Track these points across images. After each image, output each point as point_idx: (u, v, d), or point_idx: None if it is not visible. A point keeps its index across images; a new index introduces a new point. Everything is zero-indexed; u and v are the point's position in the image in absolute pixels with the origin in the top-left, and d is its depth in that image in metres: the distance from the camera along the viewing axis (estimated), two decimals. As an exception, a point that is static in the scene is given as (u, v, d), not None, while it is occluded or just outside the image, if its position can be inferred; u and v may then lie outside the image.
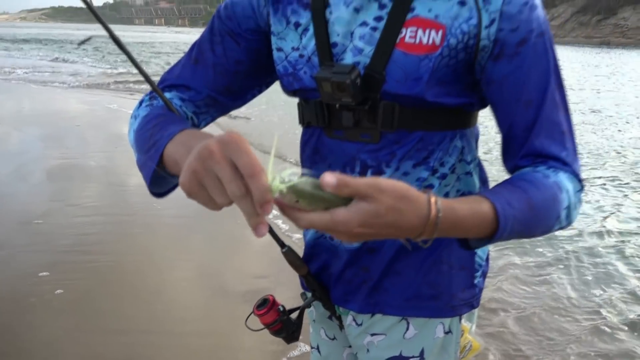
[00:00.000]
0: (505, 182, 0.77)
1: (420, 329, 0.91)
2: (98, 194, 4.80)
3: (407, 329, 0.91)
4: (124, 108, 9.06)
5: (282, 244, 0.91)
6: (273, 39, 0.88)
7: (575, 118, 10.05)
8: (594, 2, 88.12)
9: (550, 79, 0.77)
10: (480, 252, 0.94)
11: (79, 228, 3.94)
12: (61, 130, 7.39)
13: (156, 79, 0.89)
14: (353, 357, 1.07)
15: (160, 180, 0.75)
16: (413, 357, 0.91)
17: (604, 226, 4.46)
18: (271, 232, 0.83)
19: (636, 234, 4.34)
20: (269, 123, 8.27)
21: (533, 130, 0.78)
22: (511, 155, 0.82)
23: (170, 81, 0.92)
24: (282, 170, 0.55)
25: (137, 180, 5.02)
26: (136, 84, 12.56)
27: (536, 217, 0.73)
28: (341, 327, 1.01)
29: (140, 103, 0.90)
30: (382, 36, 0.77)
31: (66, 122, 8.06)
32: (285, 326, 0.97)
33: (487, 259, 0.98)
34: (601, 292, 3.33)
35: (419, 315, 0.91)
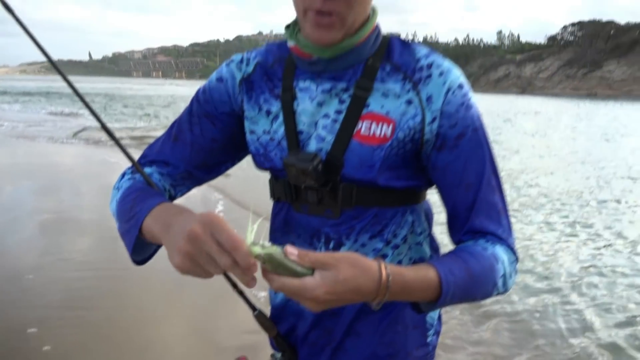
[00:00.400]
0: (450, 252, 0.88)
1: None
2: (89, 248, 4.77)
3: None
4: (115, 161, 9.11)
5: (253, 308, 0.95)
6: (246, 122, 1.00)
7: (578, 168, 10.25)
8: (580, 55, 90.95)
9: (485, 166, 0.90)
10: (431, 312, 1.00)
11: (69, 283, 3.89)
12: (54, 183, 7.43)
13: (155, 134, 0.95)
14: None
15: (140, 248, 0.87)
16: None
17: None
18: (243, 297, 0.91)
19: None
20: (247, 179, 8.36)
21: (473, 210, 0.90)
22: (455, 231, 0.93)
23: (151, 157, 1.02)
24: (260, 237, 0.68)
25: None
26: (134, 140, 12.60)
27: (475, 284, 0.83)
28: None
29: (123, 175, 0.99)
30: (341, 127, 0.89)
31: (60, 174, 8.11)
32: None
33: (439, 318, 1.06)
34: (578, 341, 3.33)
35: None
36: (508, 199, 0.95)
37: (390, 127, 0.88)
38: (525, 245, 5.36)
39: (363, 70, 0.91)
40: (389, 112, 0.88)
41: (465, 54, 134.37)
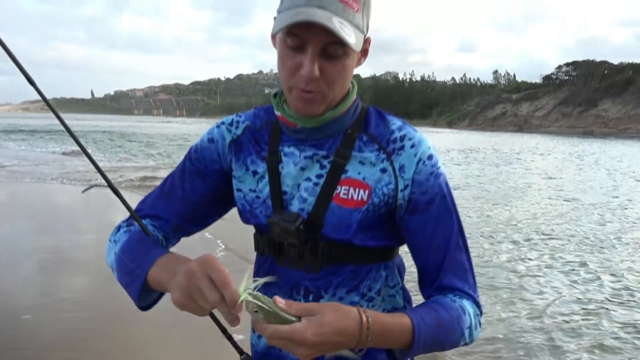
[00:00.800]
0: (422, 304, 0.97)
1: None
2: (85, 289, 4.79)
3: None
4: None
5: (241, 352, 1.01)
6: (234, 181, 1.07)
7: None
8: (575, 94, 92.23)
9: (453, 228, 0.99)
10: None
11: (65, 323, 3.90)
12: (52, 223, 7.48)
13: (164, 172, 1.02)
14: None
15: (145, 296, 0.95)
16: None
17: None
18: (232, 341, 1.00)
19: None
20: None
21: (442, 269, 0.99)
22: (426, 287, 1.03)
23: (145, 211, 1.09)
24: (252, 285, 0.77)
25: None
26: (140, 181, 12.35)
27: (445, 332, 0.91)
28: None
29: (118, 229, 1.06)
30: (322, 191, 0.98)
31: (57, 214, 8.17)
32: None
33: None
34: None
35: None
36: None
37: (367, 192, 0.97)
38: None
39: (342, 140, 1.00)
40: (365, 178, 0.97)
41: (462, 92, 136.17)
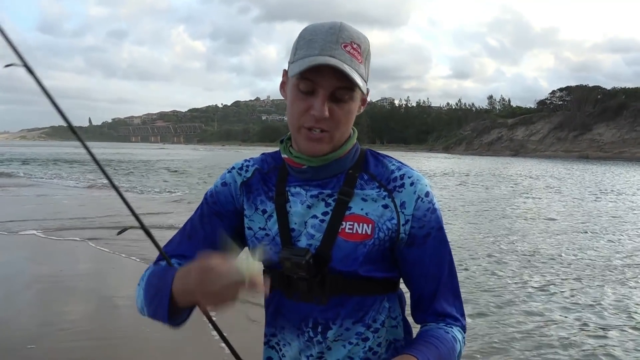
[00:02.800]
0: (421, 338, 1.03)
1: None
2: (87, 317, 4.74)
3: None
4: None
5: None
6: (245, 220, 1.15)
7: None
8: (569, 119, 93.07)
9: (447, 258, 1.09)
10: None
11: (68, 353, 3.86)
12: (53, 251, 7.43)
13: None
14: None
15: (176, 313, 0.98)
16: None
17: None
18: (233, 352, 1.07)
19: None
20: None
21: (436, 296, 1.08)
22: (420, 312, 1.11)
23: (170, 253, 1.15)
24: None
25: (126, 302, 5.03)
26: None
27: None
28: None
29: (146, 272, 1.12)
30: (328, 227, 1.04)
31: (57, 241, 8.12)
32: None
33: None
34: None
35: None
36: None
37: (370, 226, 1.04)
38: None
39: (345, 179, 1.08)
40: (368, 214, 1.05)
41: (458, 117, 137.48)
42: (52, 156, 46.37)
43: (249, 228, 1.13)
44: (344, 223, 1.04)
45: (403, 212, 1.04)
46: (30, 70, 0.98)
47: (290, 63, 1.03)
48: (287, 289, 1.08)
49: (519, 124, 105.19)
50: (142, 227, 1.03)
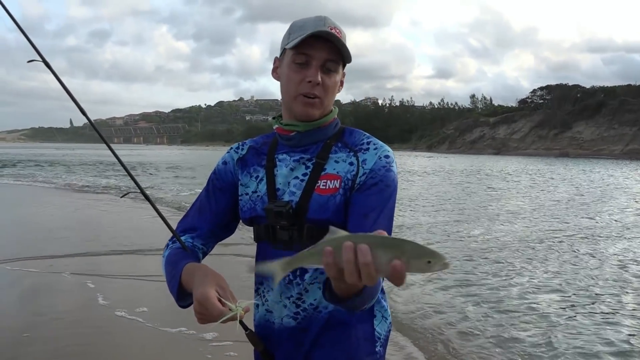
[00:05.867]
0: None
1: None
2: (76, 308, 4.77)
3: None
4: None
5: (246, 328, 1.26)
6: (240, 188, 1.37)
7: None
8: (550, 117, 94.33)
9: (385, 207, 1.22)
10: (378, 328, 1.32)
11: (59, 341, 3.89)
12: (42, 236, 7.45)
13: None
14: None
15: (183, 297, 1.20)
16: None
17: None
18: (241, 323, 1.18)
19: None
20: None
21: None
22: None
23: (183, 227, 1.40)
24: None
25: (116, 294, 5.13)
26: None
27: (371, 294, 1.11)
28: None
29: (166, 246, 1.36)
30: (306, 185, 1.26)
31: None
32: None
33: (388, 332, 1.36)
34: None
35: None
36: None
37: (338, 181, 1.25)
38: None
39: (322, 147, 1.30)
40: (338, 172, 1.26)
41: (441, 116, 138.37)
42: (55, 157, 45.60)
43: (245, 194, 1.34)
44: (319, 181, 1.25)
45: (363, 167, 1.25)
46: (48, 66, 1.14)
47: (285, 47, 1.26)
48: (273, 239, 1.28)
49: (500, 122, 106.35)
50: (142, 192, 1.38)
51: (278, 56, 1.32)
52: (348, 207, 1.24)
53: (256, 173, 1.35)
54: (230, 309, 1.05)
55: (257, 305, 1.34)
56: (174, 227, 1.39)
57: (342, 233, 0.92)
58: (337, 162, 1.27)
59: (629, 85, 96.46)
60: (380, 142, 1.31)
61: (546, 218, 12.07)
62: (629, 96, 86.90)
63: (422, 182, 22.36)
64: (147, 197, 1.41)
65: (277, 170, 1.31)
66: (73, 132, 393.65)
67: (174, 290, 1.21)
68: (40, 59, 1.29)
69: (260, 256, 1.34)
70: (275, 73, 1.33)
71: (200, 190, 1.45)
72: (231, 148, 1.45)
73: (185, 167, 29.11)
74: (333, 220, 1.18)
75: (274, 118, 1.39)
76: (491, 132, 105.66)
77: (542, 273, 6.84)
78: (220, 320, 1.04)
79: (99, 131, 1.44)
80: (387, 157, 1.27)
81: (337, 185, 1.24)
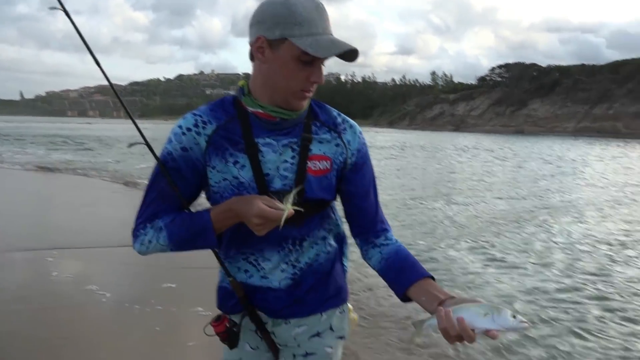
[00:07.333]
0: (409, 259, 1.36)
1: (328, 315, 1.46)
2: (25, 283, 4.54)
3: (322, 315, 1.44)
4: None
5: (229, 274, 1.38)
6: (214, 173, 1.31)
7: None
8: (507, 95, 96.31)
9: (374, 180, 1.45)
10: (344, 262, 1.51)
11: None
12: None
13: None
14: None
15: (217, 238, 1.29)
16: (325, 330, 1.45)
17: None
18: (222, 265, 1.37)
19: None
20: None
21: (377, 211, 1.43)
22: (365, 229, 1.43)
23: (146, 215, 1.32)
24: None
25: (70, 268, 4.99)
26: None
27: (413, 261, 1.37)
28: (263, 338, 1.44)
29: (136, 236, 1.32)
30: (299, 168, 1.31)
31: None
32: (229, 335, 1.39)
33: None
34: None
35: (330, 307, 1.45)
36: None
37: (329, 162, 1.34)
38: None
39: (304, 127, 1.33)
40: (325, 152, 1.34)
41: (402, 93, 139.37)
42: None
43: (224, 179, 1.30)
44: (309, 162, 1.31)
45: (350, 148, 1.37)
46: (67, 14, 1.27)
47: (289, 37, 1.19)
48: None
49: (460, 99, 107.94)
50: (146, 143, 1.39)
51: (266, 37, 1.21)
52: (342, 186, 1.39)
53: (234, 158, 1.29)
54: (283, 210, 1.17)
55: (249, 275, 1.39)
56: (144, 197, 1.34)
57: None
58: (321, 142, 1.34)
59: (582, 65, 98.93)
60: (348, 118, 1.41)
61: (505, 194, 12.46)
62: (582, 75, 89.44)
63: (381, 157, 22.64)
64: (150, 149, 1.37)
65: (262, 156, 1.29)
66: (24, 105, 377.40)
67: (209, 237, 1.26)
68: (61, 7, 1.37)
69: (256, 237, 1.28)
70: (262, 55, 1.23)
71: (151, 175, 1.34)
72: (188, 129, 1.30)
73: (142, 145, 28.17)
74: (329, 199, 1.38)
75: (244, 95, 1.31)
76: (451, 109, 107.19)
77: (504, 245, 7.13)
78: (283, 221, 1.16)
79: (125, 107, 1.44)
80: (360, 133, 1.41)
81: (328, 167, 1.33)
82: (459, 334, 1.08)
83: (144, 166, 14.97)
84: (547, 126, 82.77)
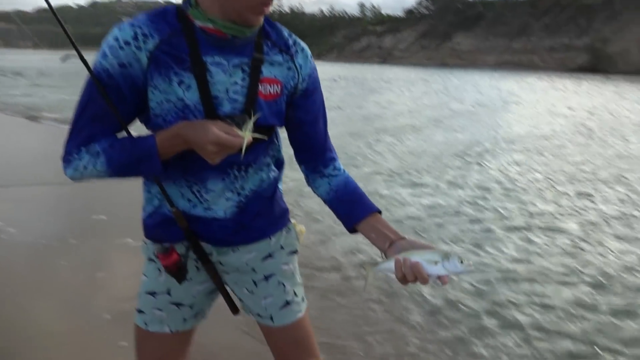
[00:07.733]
0: (355, 192, 1.38)
1: (277, 237, 1.45)
2: None
3: (270, 239, 1.43)
4: None
5: (172, 204, 1.29)
6: (155, 93, 1.18)
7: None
8: (433, 28, 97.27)
9: (324, 107, 1.42)
10: (280, 185, 1.48)
11: None
12: None
13: None
14: (203, 293, 1.45)
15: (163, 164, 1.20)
16: (277, 250, 1.44)
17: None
18: (164, 193, 1.28)
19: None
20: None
21: (326, 140, 1.42)
22: (313, 157, 1.42)
23: (80, 139, 1.20)
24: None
25: None
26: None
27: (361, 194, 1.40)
28: (205, 269, 1.38)
29: (68, 161, 1.19)
30: (249, 91, 1.22)
31: None
32: (179, 268, 1.32)
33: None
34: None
35: (276, 230, 1.44)
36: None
37: (279, 86, 1.27)
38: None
39: (255, 47, 1.23)
40: (276, 76, 1.26)
41: (330, 25, 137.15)
42: None
43: (167, 101, 1.18)
44: (260, 85, 1.23)
45: (301, 72, 1.30)
46: None
47: None
48: None
49: (387, 32, 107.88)
50: (80, 56, 1.17)
51: None
52: (291, 112, 1.33)
53: (179, 77, 1.17)
54: (242, 137, 1.12)
55: (193, 205, 1.32)
56: (76, 119, 1.19)
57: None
58: (272, 64, 1.26)
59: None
60: (299, 40, 1.33)
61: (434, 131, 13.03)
62: (505, 9, 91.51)
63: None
64: (85, 63, 1.16)
65: (211, 77, 1.18)
66: None
67: (153, 162, 1.16)
68: None
69: (201, 158, 1.18)
70: None
71: (84, 94, 1.18)
72: (125, 42, 1.14)
73: (56, 75, 26.20)
74: (278, 125, 1.33)
75: (192, 6, 1.18)
76: (378, 41, 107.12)
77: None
78: (244, 146, 1.11)
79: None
80: (311, 57, 1.34)
81: (279, 91, 1.26)
82: (414, 279, 1.13)
83: (55, 98, 14.13)
84: (470, 59, 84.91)
